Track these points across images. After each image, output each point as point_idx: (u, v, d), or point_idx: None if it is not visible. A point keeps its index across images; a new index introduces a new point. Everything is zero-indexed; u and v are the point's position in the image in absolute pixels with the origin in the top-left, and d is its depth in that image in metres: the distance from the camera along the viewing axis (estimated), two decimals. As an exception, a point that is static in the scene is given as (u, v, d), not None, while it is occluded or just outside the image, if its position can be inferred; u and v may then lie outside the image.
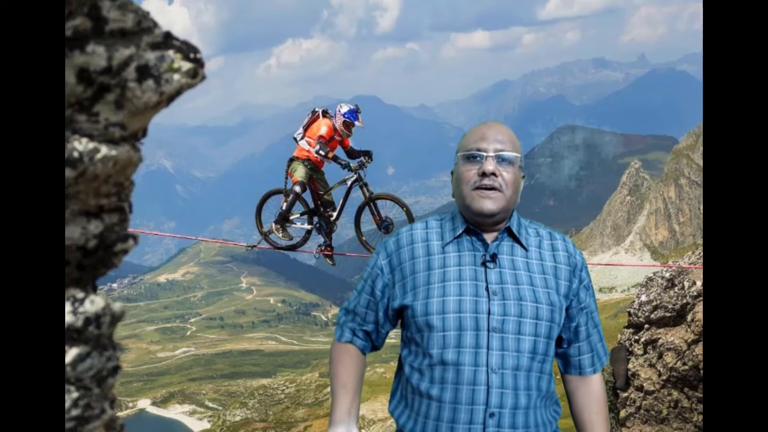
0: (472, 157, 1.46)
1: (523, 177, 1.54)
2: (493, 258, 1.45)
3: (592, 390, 1.55)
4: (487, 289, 1.41)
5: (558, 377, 1.60)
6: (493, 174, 1.43)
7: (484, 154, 1.44)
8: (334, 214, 6.41)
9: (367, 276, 1.56)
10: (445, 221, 1.55)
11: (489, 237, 1.48)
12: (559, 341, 1.53)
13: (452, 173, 1.56)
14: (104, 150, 0.61)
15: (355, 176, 6.20)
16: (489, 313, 1.39)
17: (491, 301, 1.40)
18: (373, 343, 1.61)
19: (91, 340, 0.63)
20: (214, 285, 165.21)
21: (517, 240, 1.49)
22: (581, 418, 1.55)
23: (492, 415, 1.35)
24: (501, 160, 1.44)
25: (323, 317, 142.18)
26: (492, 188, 1.43)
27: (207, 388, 76.11)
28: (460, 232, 1.48)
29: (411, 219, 6.03)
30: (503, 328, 1.39)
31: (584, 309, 1.51)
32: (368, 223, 6.47)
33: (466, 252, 1.47)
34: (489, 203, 1.42)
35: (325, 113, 6.37)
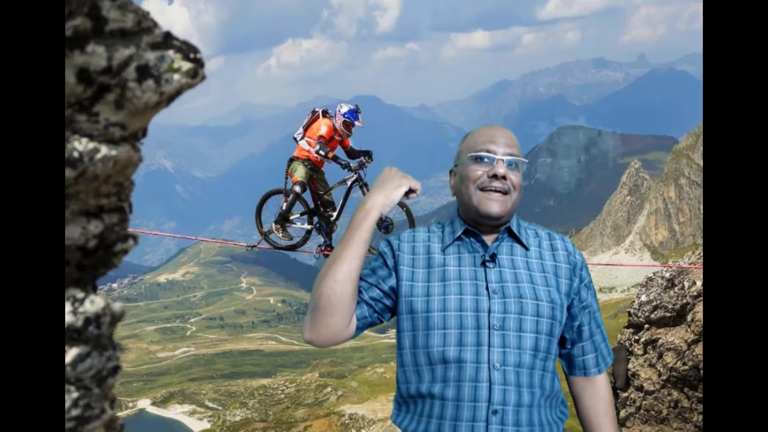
0: (480, 159, 1.47)
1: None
2: (493, 258, 1.46)
3: (598, 391, 1.55)
4: (487, 288, 1.42)
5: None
6: (504, 177, 1.45)
7: (495, 156, 1.46)
8: (334, 214, 6.41)
9: (371, 259, 1.54)
10: (444, 226, 1.56)
11: (488, 238, 1.50)
12: (563, 342, 1.53)
13: (451, 173, 1.57)
14: (104, 150, 0.61)
15: (355, 176, 6.20)
16: (489, 312, 1.39)
17: (491, 299, 1.40)
18: (359, 315, 1.46)
19: (91, 340, 0.63)
20: (214, 285, 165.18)
21: (517, 239, 1.50)
22: (589, 420, 1.55)
23: (495, 412, 1.34)
24: (511, 164, 1.47)
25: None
26: (501, 191, 1.45)
27: (207, 388, 76.10)
28: (459, 234, 1.50)
29: (411, 219, 6.02)
30: (504, 326, 1.39)
31: (586, 308, 1.51)
32: (368, 223, 6.45)
33: (465, 254, 1.48)
34: (496, 206, 1.44)
35: (325, 113, 6.37)
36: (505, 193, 1.45)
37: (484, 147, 1.48)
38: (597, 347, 1.55)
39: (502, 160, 1.45)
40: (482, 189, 1.46)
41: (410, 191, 1.51)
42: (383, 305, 1.48)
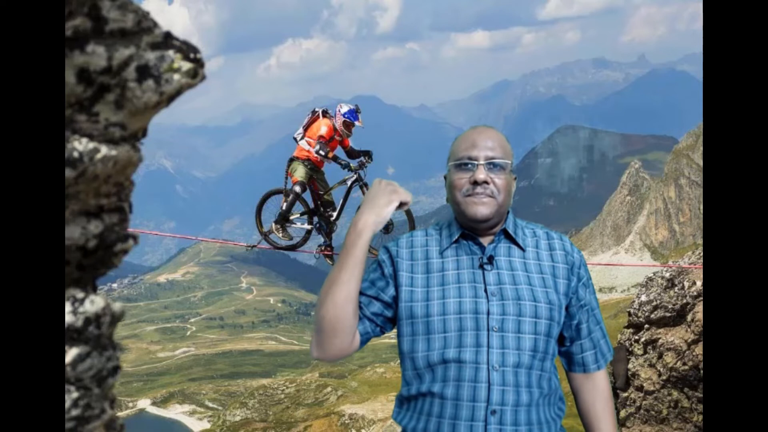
0: (463, 165, 1.48)
1: (515, 179, 1.57)
2: (490, 260, 1.47)
3: (597, 386, 1.57)
4: (485, 290, 1.43)
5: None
6: (485, 182, 1.45)
7: (475, 162, 1.47)
8: (334, 214, 6.41)
9: (370, 270, 1.56)
10: (442, 229, 1.57)
11: (485, 240, 1.51)
12: (562, 340, 1.55)
13: (445, 178, 1.58)
14: (104, 150, 0.61)
15: (355, 176, 6.20)
16: (488, 314, 1.41)
17: (490, 302, 1.42)
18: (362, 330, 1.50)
19: (91, 340, 0.63)
20: (214, 285, 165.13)
21: (513, 241, 1.51)
22: (588, 415, 1.57)
23: (494, 412, 1.36)
24: (492, 166, 1.47)
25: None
26: (484, 195, 1.46)
27: (207, 388, 76.10)
28: (457, 237, 1.51)
29: (411, 219, 6.02)
30: (503, 327, 1.40)
31: (584, 306, 1.52)
32: (368, 223, 6.46)
33: (463, 256, 1.49)
34: (482, 208, 1.45)
35: (325, 113, 6.36)
36: (490, 196, 1.46)
37: (465, 153, 1.49)
38: (596, 344, 1.56)
39: (482, 165, 1.46)
40: (467, 195, 1.47)
41: (401, 204, 1.51)
42: (384, 318, 1.51)
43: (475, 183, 1.45)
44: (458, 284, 1.45)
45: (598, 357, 1.56)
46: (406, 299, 1.47)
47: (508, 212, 1.54)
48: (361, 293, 1.50)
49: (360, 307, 1.49)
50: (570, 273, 1.50)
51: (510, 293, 1.43)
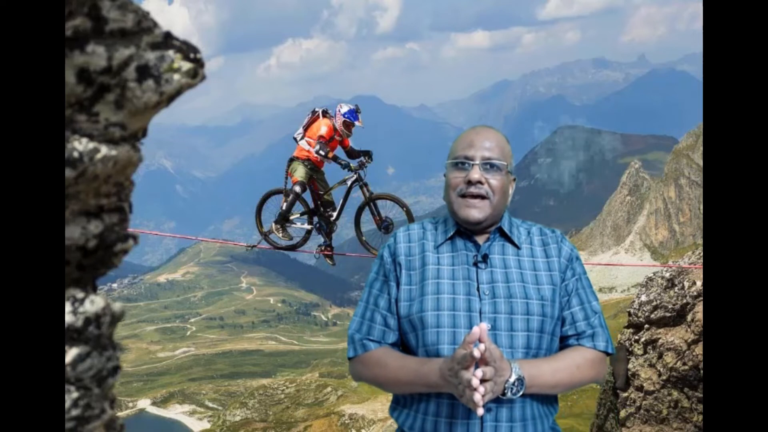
0: (459, 164, 1.49)
1: (514, 180, 1.58)
2: (485, 258, 1.48)
3: (577, 348, 1.47)
4: (478, 288, 1.44)
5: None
6: (480, 182, 1.46)
7: (471, 162, 1.48)
8: (334, 214, 6.40)
9: (373, 279, 1.57)
10: (438, 223, 1.59)
11: (480, 238, 1.52)
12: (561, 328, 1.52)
13: (445, 176, 1.59)
14: (104, 150, 0.61)
15: (355, 176, 6.20)
16: (480, 312, 1.42)
17: (482, 300, 1.43)
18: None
19: (91, 340, 0.63)
20: (214, 285, 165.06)
21: (508, 239, 1.52)
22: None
23: (489, 410, 1.37)
24: (488, 167, 1.47)
25: (323, 317, 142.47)
26: (479, 196, 1.46)
27: (207, 388, 76.13)
28: (452, 234, 1.52)
29: (411, 219, 6.03)
30: (495, 326, 1.41)
31: (576, 297, 1.50)
32: (368, 223, 6.48)
33: (459, 252, 1.50)
34: (475, 212, 1.46)
35: (325, 113, 6.36)
36: (484, 197, 1.46)
37: (462, 153, 1.49)
38: (578, 330, 1.48)
39: (478, 165, 1.46)
40: (462, 196, 1.47)
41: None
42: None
43: (470, 183, 1.46)
44: (452, 280, 1.46)
45: (581, 336, 1.48)
46: (404, 298, 1.49)
47: (503, 213, 1.55)
48: (381, 309, 1.52)
49: (387, 325, 1.51)
50: (562, 266, 1.50)
51: (502, 291, 1.43)
